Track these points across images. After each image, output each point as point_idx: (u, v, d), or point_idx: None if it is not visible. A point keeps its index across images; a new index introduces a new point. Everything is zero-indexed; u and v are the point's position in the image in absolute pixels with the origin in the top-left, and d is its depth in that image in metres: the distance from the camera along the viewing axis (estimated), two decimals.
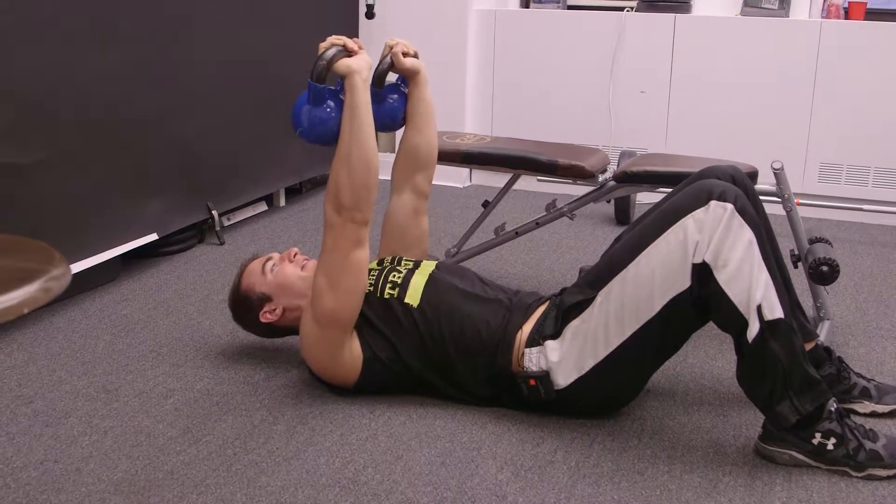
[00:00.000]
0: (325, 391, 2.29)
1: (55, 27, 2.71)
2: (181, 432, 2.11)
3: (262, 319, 2.35)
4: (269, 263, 2.36)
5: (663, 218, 2.00)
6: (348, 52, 2.17)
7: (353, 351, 2.19)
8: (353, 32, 4.53)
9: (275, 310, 2.33)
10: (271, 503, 1.82)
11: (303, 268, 2.34)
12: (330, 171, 2.14)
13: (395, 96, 2.39)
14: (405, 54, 2.34)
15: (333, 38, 2.17)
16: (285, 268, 2.34)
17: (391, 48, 2.34)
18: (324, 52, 2.14)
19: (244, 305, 2.38)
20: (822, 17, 4.25)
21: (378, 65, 2.32)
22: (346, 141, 2.12)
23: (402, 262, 2.36)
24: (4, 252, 1.17)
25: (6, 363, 2.46)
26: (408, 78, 2.40)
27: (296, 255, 2.38)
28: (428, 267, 2.33)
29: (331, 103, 2.16)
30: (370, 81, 2.20)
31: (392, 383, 2.24)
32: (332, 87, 2.18)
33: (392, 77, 2.36)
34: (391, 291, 2.23)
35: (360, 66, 2.14)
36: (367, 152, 2.12)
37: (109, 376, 2.40)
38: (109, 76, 2.95)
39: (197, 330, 2.72)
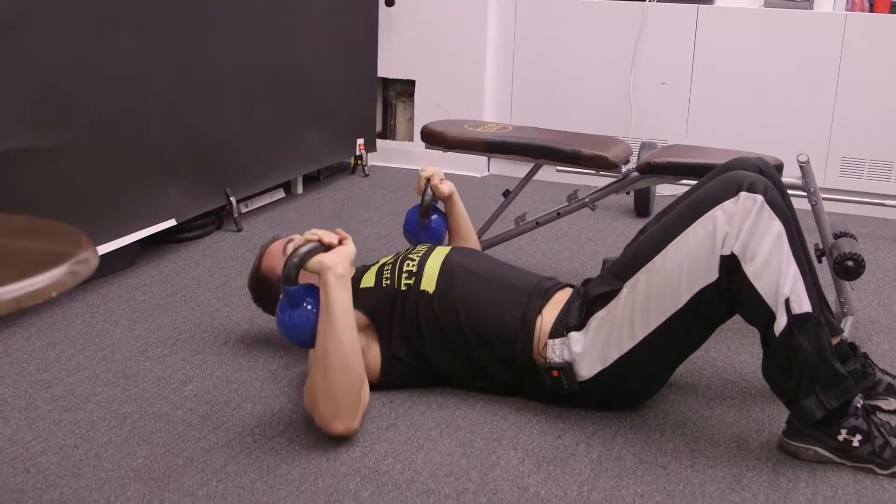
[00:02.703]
0: None
1: (77, 13, 2.70)
2: (200, 419, 2.10)
3: None
4: (290, 245, 2.34)
5: (691, 209, 1.98)
6: (325, 248, 2.00)
7: (370, 360, 2.17)
8: (372, 21, 4.51)
9: None
10: (291, 491, 1.81)
11: None
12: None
13: (435, 217, 2.63)
14: (441, 180, 2.56)
15: (309, 234, 2.01)
16: None
17: (428, 180, 2.56)
18: (297, 249, 1.98)
19: (264, 287, 2.37)
20: (847, 10, 4.20)
21: (422, 197, 2.57)
22: (321, 343, 1.94)
23: (416, 249, 2.34)
24: (32, 234, 1.16)
25: (25, 347, 2.46)
26: (445, 201, 2.63)
27: None
28: (442, 251, 2.31)
29: (311, 302, 1.98)
30: (349, 276, 2.00)
31: (414, 378, 2.23)
32: (315, 286, 2.01)
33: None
34: (408, 282, 2.21)
35: (334, 262, 1.95)
36: (345, 354, 1.94)
37: (128, 362, 2.39)
38: (130, 62, 2.94)
39: (215, 316, 2.71)
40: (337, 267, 1.96)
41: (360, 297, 2.15)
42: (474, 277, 2.21)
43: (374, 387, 2.22)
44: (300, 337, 1.99)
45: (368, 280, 2.26)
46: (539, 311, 2.15)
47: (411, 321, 2.18)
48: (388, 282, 2.23)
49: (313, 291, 1.99)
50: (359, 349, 1.99)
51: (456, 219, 2.65)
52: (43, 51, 2.61)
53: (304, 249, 1.97)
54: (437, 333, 2.17)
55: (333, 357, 1.93)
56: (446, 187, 2.58)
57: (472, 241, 2.69)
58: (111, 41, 2.85)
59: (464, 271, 2.22)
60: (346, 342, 1.94)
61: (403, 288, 2.21)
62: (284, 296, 1.99)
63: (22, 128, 2.58)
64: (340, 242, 2.02)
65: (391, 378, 2.20)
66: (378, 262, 2.35)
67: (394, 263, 2.28)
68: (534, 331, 2.13)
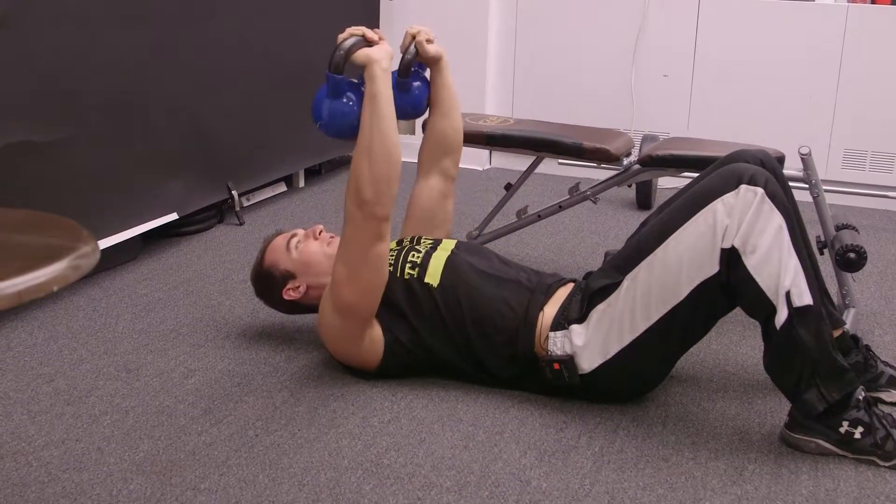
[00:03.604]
0: (346, 373, 2.28)
1: (77, 5, 2.70)
2: (202, 413, 2.10)
3: (286, 297, 2.33)
4: (294, 240, 2.34)
5: (692, 202, 1.98)
6: (368, 43, 2.13)
7: (374, 336, 2.18)
8: (373, 15, 4.50)
9: (298, 287, 2.31)
10: (293, 485, 1.82)
11: (328, 244, 2.32)
12: (351, 163, 2.10)
13: (418, 83, 2.39)
14: (428, 41, 2.33)
15: (352, 29, 2.13)
16: (310, 245, 2.32)
17: (413, 36, 2.32)
18: (342, 42, 2.10)
19: (267, 282, 2.37)
20: (849, 2, 4.18)
21: (403, 54, 2.32)
22: (366, 132, 2.07)
23: (422, 242, 2.34)
24: (33, 228, 1.16)
25: (27, 341, 2.46)
26: (430, 65, 2.40)
27: (321, 232, 2.36)
28: (447, 246, 2.31)
29: (351, 95, 2.12)
30: (391, 72, 2.15)
31: (414, 366, 2.23)
32: (353, 80, 2.13)
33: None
34: (411, 271, 2.21)
35: (380, 56, 2.10)
36: (389, 144, 2.07)
37: (130, 355, 2.39)
38: (131, 55, 2.94)
39: (217, 310, 2.71)
40: (382, 61, 2.10)
41: None
42: (478, 274, 2.21)
43: (375, 372, 2.23)
44: (342, 126, 2.13)
45: None
46: (541, 308, 2.15)
47: (413, 310, 2.18)
48: (391, 268, 2.22)
49: (354, 85, 2.13)
50: (399, 141, 2.10)
51: (439, 89, 2.43)
52: (43, 43, 2.60)
53: (349, 42, 2.10)
54: (440, 326, 2.17)
55: (378, 147, 2.06)
56: (433, 48, 2.35)
57: (452, 117, 2.47)
58: (112, 33, 2.84)
59: (468, 268, 2.22)
60: (390, 134, 2.08)
61: (406, 277, 2.21)
62: (329, 84, 2.11)
63: (22, 122, 2.57)
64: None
65: (393, 362, 2.20)
66: None
67: (398, 251, 2.28)
68: (536, 326, 2.13)
